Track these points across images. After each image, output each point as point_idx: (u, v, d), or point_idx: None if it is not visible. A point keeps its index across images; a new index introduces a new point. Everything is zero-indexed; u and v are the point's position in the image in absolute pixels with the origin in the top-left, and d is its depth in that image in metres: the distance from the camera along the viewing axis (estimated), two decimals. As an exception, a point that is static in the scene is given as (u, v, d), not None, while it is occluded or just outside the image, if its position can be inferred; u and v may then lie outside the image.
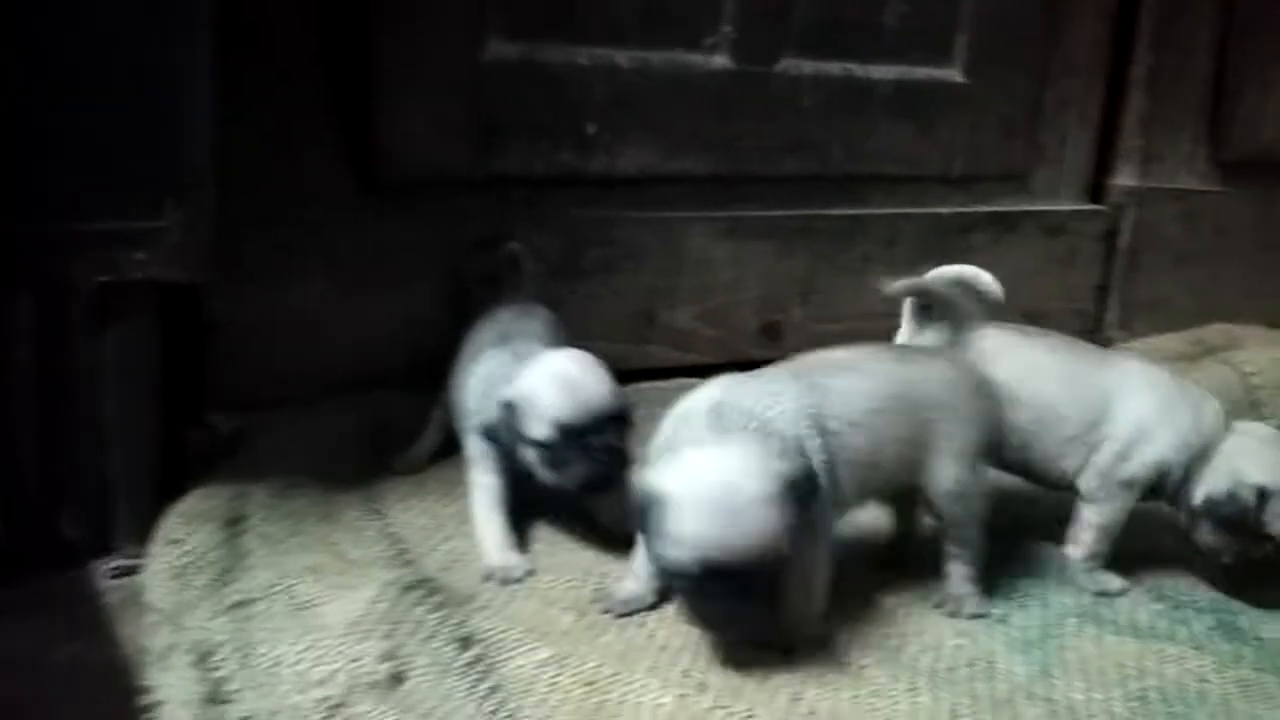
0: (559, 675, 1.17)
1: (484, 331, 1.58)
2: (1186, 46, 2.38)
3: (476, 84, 1.82)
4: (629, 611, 1.30)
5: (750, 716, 1.12)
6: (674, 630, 1.27)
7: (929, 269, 1.69)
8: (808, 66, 2.05)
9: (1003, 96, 2.23)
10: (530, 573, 1.40)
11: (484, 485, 1.47)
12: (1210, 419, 1.44)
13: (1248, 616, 1.40)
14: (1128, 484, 1.43)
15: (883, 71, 2.12)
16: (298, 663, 1.16)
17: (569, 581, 1.37)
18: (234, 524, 1.42)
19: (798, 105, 2.05)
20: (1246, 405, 1.94)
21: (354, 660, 1.15)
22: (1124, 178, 2.39)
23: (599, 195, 1.95)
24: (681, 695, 1.14)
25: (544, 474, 1.39)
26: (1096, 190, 2.41)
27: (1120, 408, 1.43)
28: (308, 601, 1.27)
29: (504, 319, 1.59)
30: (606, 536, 1.47)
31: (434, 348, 1.67)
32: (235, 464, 1.56)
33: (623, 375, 1.98)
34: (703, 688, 1.16)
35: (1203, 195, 2.45)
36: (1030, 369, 1.47)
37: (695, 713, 1.12)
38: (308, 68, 1.73)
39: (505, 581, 1.38)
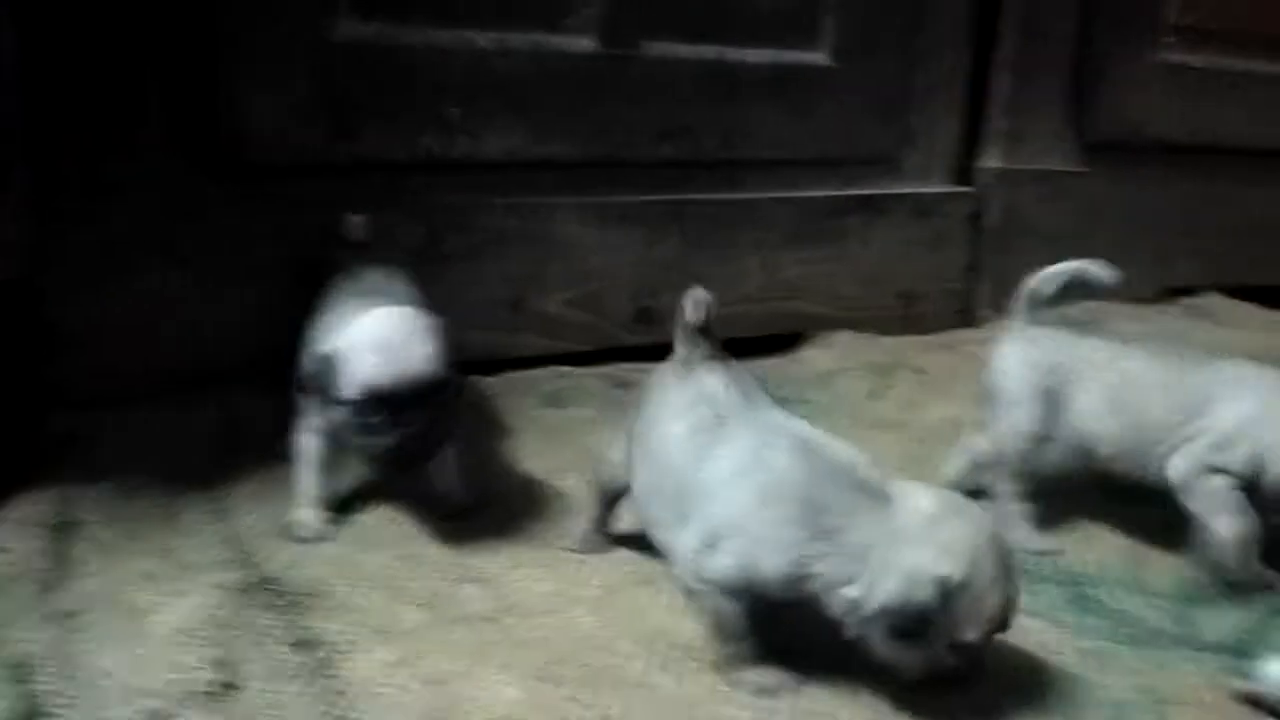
0: (403, 675, 1.12)
1: (342, 288, 1.53)
2: (1050, 31, 2.43)
3: (328, 65, 1.75)
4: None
5: (601, 708, 1.09)
6: (528, 624, 1.24)
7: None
8: (675, 50, 2.03)
9: (871, 80, 2.24)
10: (324, 537, 1.38)
11: (310, 436, 1.42)
12: None
13: (1105, 589, 1.41)
14: (1220, 469, 1.39)
15: (753, 55, 2.11)
16: (124, 673, 1.10)
17: (420, 575, 1.32)
18: (63, 530, 1.35)
19: (667, 89, 2.03)
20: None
21: (183, 668, 1.09)
22: (991, 160, 2.42)
23: (463, 180, 1.90)
24: (531, 689, 1.11)
25: (349, 437, 1.34)
26: (965, 172, 2.44)
27: (1222, 407, 1.41)
28: (139, 609, 1.20)
29: (365, 280, 1.54)
30: (443, 504, 1.45)
31: (288, 342, 1.60)
32: (69, 467, 1.47)
33: (493, 364, 1.96)
34: (555, 681, 1.13)
35: (1068, 176, 2.50)
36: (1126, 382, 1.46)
37: (545, 706, 1.09)
38: (145, 50, 1.64)
39: (297, 539, 1.36)
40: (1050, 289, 1.59)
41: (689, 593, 1.16)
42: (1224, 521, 1.39)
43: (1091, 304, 2.43)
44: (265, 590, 1.26)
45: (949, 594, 1.04)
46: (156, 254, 1.66)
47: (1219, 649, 1.30)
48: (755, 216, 2.18)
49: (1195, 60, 2.60)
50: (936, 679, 1.09)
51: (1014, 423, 1.54)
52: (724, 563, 1.11)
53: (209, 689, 1.07)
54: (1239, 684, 1.21)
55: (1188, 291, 2.68)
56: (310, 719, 1.06)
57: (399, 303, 1.47)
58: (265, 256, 1.74)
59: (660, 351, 2.15)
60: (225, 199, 1.72)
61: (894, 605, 1.04)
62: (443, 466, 1.47)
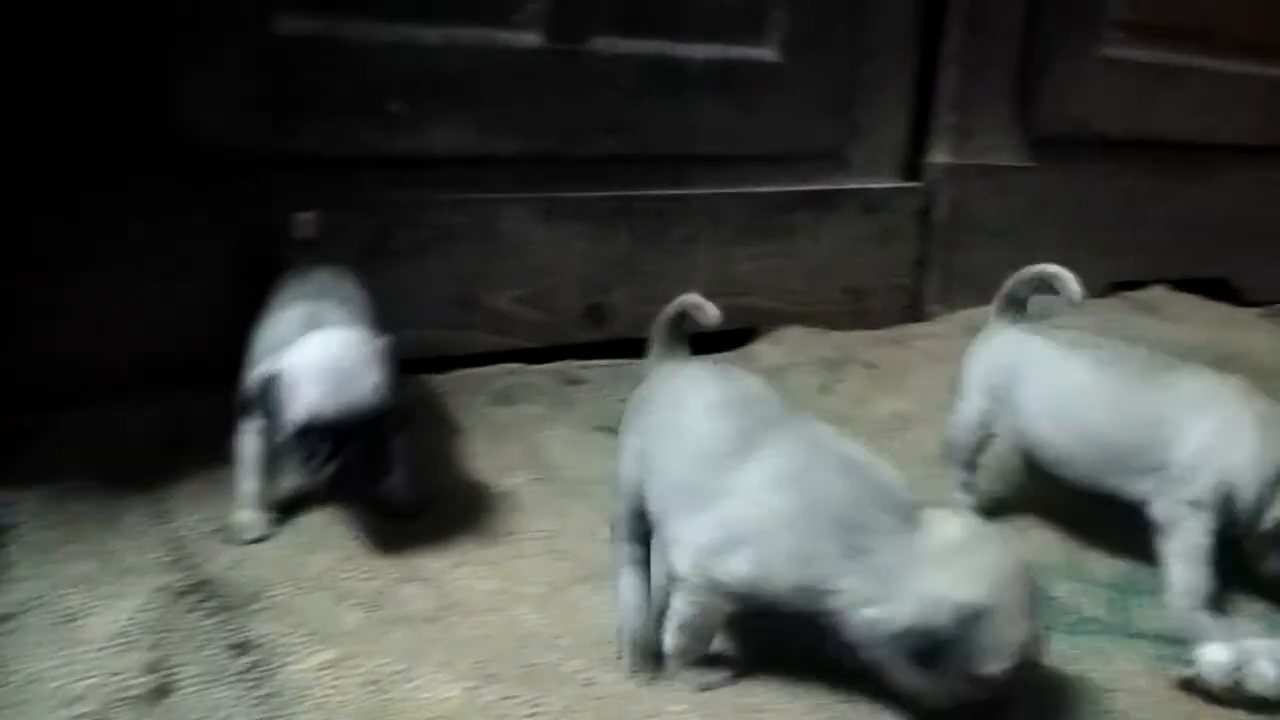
0: (340, 677, 1.12)
1: (289, 288, 1.52)
2: (997, 26, 2.45)
3: (273, 60, 1.73)
4: None
5: (539, 706, 1.09)
6: (470, 623, 1.23)
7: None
8: (621, 45, 2.02)
9: (818, 76, 2.24)
10: (265, 539, 1.37)
11: (253, 437, 1.41)
12: None
13: (1043, 577, 1.43)
14: (1194, 503, 1.34)
15: (698, 50, 2.10)
16: (54, 679, 1.08)
17: (363, 575, 1.32)
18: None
19: (612, 84, 2.03)
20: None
21: (115, 673, 1.08)
22: (939, 155, 2.44)
23: (409, 176, 1.88)
24: (470, 688, 1.10)
25: (293, 459, 1.34)
26: (914, 168, 2.46)
27: (1182, 433, 1.35)
28: (73, 613, 1.19)
29: (311, 279, 1.54)
30: (388, 504, 1.44)
31: (235, 337, 1.59)
32: (8, 465, 1.45)
33: (442, 361, 1.95)
34: (493, 679, 1.12)
35: (1015, 171, 2.52)
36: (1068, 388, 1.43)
37: (483, 705, 1.09)
38: (88, 44, 1.62)
39: (238, 540, 1.35)
40: (1026, 290, 1.59)
41: (675, 582, 1.14)
42: (1178, 571, 1.35)
43: (1041, 298, 2.48)
44: (204, 593, 1.25)
45: (968, 622, 1.02)
46: (101, 250, 1.64)
47: (1156, 637, 1.32)
48: (704, 212, 2.18)
49: (1138, 55, 2.63)
50: (959, 712, 1.07)
51: (962, 415, 1.56)
52: (738, 568, 1.08)
53: (142, 693, 1.06)
54: (1177, 670, 1.23)
55: (1134, 285, 2.72)
56: (245, 721, 1.06)
57: (347, 304, 1.48)
58: (212, 253, 1.72)
59: (611, 349, 2.17)
60: (170, 195, 1.70)
61: (911, 629, 1.02)
62: (404, 477, 1.46)
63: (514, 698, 1.10)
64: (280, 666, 1.13)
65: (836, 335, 2.30)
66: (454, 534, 1.43)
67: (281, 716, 1.07)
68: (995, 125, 2.48)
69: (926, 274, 2.45)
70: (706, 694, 1.13)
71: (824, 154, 2.33)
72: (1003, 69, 2.47)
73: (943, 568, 1.03)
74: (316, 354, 1.31)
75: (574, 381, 1.99)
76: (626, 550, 1.24)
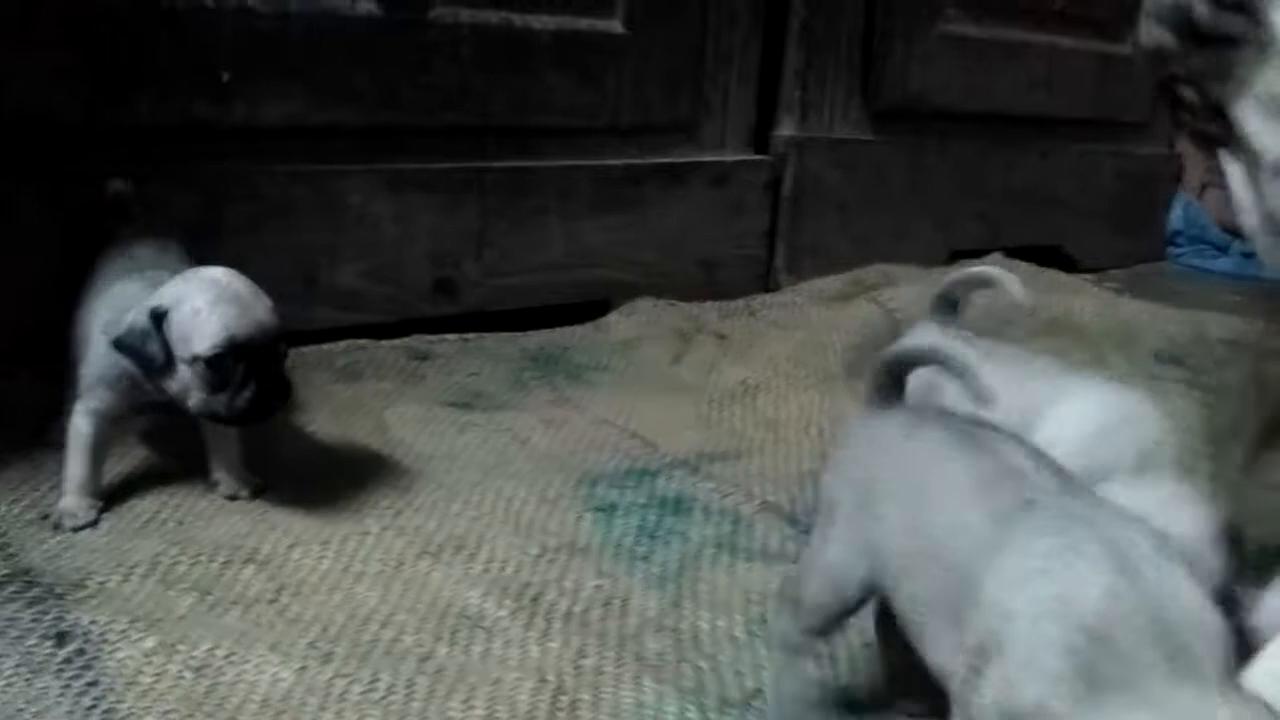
0: (167, 663, 1.08)
1: (116, 261, 1.46)
2: (839, 3, 2.50)
3: (92, 27, 1.65)
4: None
5: (374, 682, 1.08)
6: (306, 603, 1.21)
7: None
8: (463, 14, 2.00)
9: (665, 48, 2.26)
10: (92, 523, 1.33)
11: (86, 420, 1.36)
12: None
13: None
14: None
15: (543, 22, 2.09)
16: None
17: (195, 560, 1.28)
18: None
19: (455, 55, 2.00)
20: (892, 337, 2.07)
21: (-79, 670, 1.03)
22: (785, 128, 2.49)
23: (241, 148, 1.83)
24: (302, 669, 1.09)
25: (198, 398, 1.30)
26: (762, 141, 2.50)
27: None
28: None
29: (139, 253, 1.48)
30: (223, 486, 1.43)
31: (58, 318, 1.52)
32: None
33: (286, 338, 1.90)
34: (327, 658, 1.11)
35: (858, 144, 2.59)
36: None
37: (316, 685, 1.07)
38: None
39: (64, 527, 1.31)
40: (962, 291, 1.45)
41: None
42: None
43: (886, 267, 2.57)
44: (24, 581, 1.19)
45: None
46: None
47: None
48: (554, 184, 2.17)
49: (976, 32, 2.73)
50: None
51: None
52: (985, 695, 0.80)
53: (-50, 689, 1.01)
54: None
55: (973, 254, 2.82)
56: (64, 711, 1.02)
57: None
58: (32, 231, 1.64)
59: (461, 322, 2.15)
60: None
61: None
62: (224, 446, 1.43)
63: (348, 675, 1.08)
64: (106, 655, 1.09)
65: (688, 306, 2.33)
66: (292, 515, 1.40)
67: (106, 704, 1.03)
68: (838, 99, 2.54)
69: (775, 245, 2.50)
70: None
71: (673, 127, 2.34)
72: (846, 45, 2.53)
73: None
74: (206, 285, 1.30)
75: (422, 357, 1.97)
76: (806, 647, 1.04)
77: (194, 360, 1.28)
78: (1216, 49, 0.97)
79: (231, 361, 1.28)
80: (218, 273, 1.32)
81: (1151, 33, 1.01)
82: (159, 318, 1.28)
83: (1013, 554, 0.83)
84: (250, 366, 1.30)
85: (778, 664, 1.04)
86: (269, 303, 1.33)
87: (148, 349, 1.29)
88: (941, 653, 0.87)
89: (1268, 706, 0.76)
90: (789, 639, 1.03)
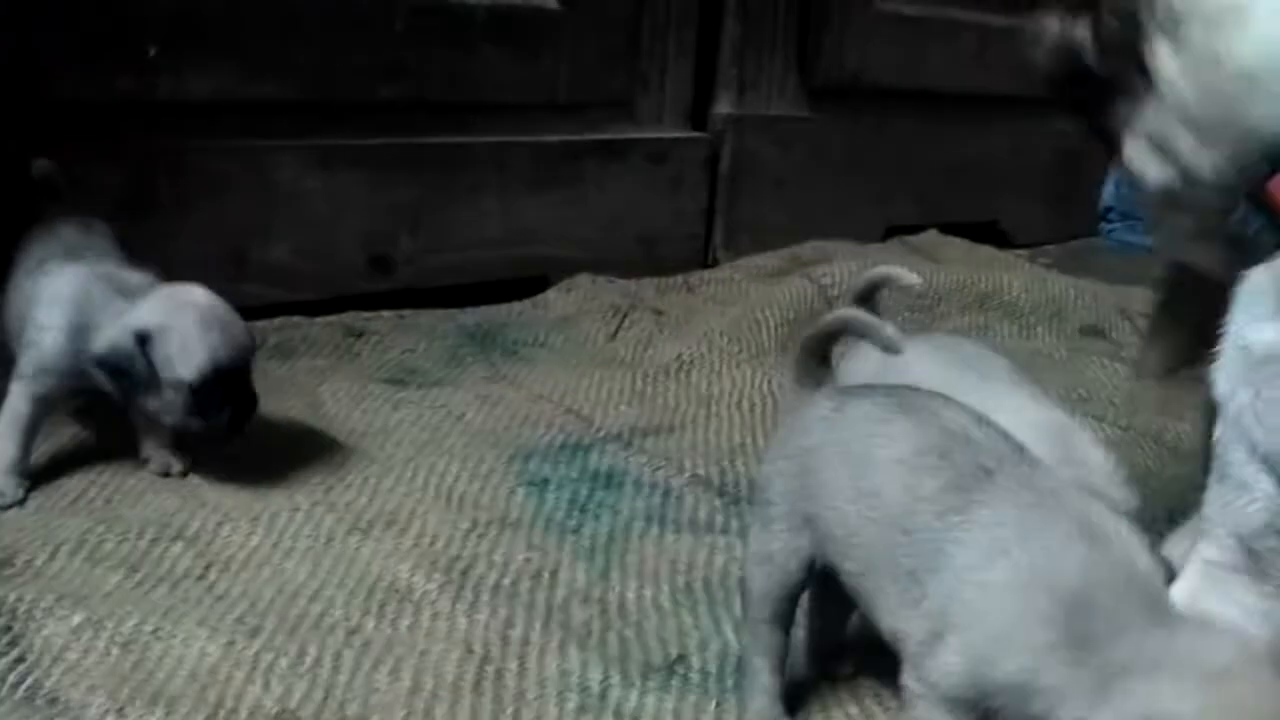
0: (94, 639, 1.08)
1: (43, 244, 1.45)
2: (775, -21, 2.52)
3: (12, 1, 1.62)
4: None
5: (302, 655, 1.09)
6: (234, 579, 1.22)
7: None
8: (397, -12, 1.99)
9: (600, 24, 2.26)
10: (19, 502, 1.33)
11: (26, 402, 1.36)
12: None
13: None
14: None
15: (476, -4, 2.09)
16: None
17: (122, 537, 1.28)
18: None
19: (389, 29, 1.99)
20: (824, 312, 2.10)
21: None
22: (723, 105, 2.51)
23: (170, 123, 1.81)
24: (229, 643, 1.09)
25: (179, 417, 1.34)
26: (700, 117, 2.51)
27: None
28: None
29: (64, 233, 1.47)
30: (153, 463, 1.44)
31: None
32: None
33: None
34: (255, 632, 1.11)
35: (795, 121, 2.61)
36: None
37: (243, 659, 1.07)
38: None
39: None
40: (869, 292, 1.42)
41: (911, 697, 0.88)
42: None
43: (822, 243, 2.60)
44: (-57, 562, 1.19)
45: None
46: None
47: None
48: (491, 160, 2.17)
49: (911, 10, 2.76)
50: None
51: None
52: (949, 661, 0.84)
53: None
54: None
55: (909, 230, 2.86)
56: (-11, 691, 1.02)
57: (113, 260, 1.44)
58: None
59: (396, 299, 2.14)
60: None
61: None
62: (154, 423, 1.43)
63: (275, 649, 1.09)
64: (32, 631, 1.09)
65: (627, 283, 2.34)
66: (222, 492, 1.40)
67: (32, 679, 1.03)
68: (775, 77, 2.56)
69: (713, 222, 2.52)
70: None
71: (610, 103, 2.35)
72: (782, 22, 2.54)
73: (1188, 691, 0.76)
74: (189, 309, 1.33)
75: (358, 334, 1.96)
76: (766, 636, 1.01)
77: (179, 384, 1.31)
78: (1102, 89, 1.03)
79: (214, 386, 1.32)
80: (198, 295, 1.35)
81: (1044, 64, 1.06)
82: (146, 341, 1.30)
83: (981, 525, 0.85)
84: (229, 389, 1.34)
85: (752, 674, 1.03)
86: (244, 323, 1.37)
87: (135, 371, 1.31)
88: (895, 616, 0.89)
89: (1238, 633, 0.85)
90: (756, 639, 1.02)
